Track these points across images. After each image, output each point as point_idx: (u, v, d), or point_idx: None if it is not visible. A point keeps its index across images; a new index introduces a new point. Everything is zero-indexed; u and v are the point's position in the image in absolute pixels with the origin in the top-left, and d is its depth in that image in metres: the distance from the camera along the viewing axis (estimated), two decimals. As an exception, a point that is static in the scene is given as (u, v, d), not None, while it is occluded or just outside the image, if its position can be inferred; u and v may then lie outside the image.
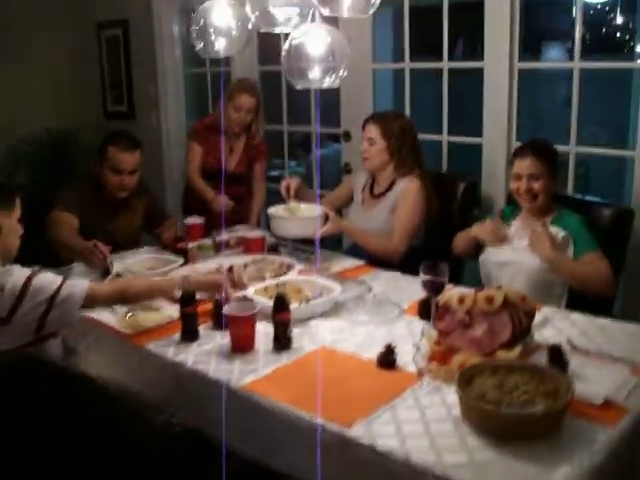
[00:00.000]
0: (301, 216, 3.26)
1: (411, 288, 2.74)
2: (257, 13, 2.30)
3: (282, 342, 2.29)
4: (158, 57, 5.38)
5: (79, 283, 2.44)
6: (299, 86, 2.43)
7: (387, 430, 1.79)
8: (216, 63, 5.07)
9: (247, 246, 3.32)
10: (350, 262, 3.19)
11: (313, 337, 2.39)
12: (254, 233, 3.45)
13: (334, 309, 2.61)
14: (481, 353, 2.06)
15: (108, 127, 4.79)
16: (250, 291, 2.63)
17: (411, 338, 2.32)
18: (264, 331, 2.37)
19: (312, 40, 2.39)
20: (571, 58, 3.56)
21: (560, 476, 1.59)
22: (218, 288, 2.60)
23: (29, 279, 2.30)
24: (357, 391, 2.01)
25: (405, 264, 3.12)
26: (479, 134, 3.86)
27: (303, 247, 3.33)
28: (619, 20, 6.30)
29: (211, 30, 2.56)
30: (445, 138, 4.05)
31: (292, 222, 3.26)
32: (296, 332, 2.36)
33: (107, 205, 3.54)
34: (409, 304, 2.62)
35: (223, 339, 2.36)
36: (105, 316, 2.60)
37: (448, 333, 2.16)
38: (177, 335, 2.41)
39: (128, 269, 3.02)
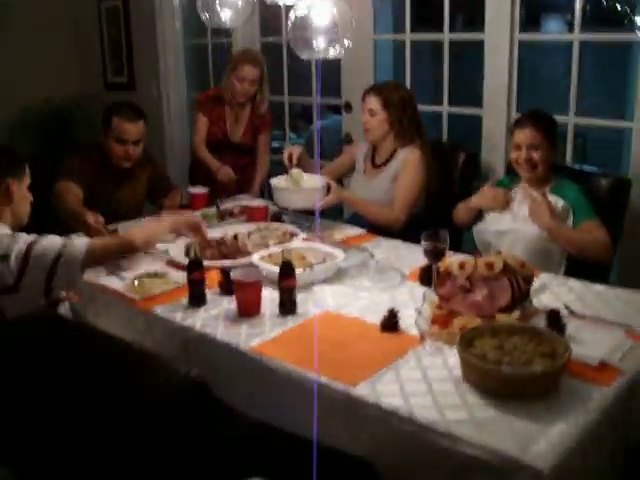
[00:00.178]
0: (304, 187, 3.30)
1: (412, 256, 2.80)
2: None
3: (287, 307, 2.35)
4: (158, 28, 5.38)
5: (78, 243, 2.49)
6: (304, 56, 2.48)
7: (391, 389, 1.86)
8: (217, 34, 5.08)
9: (250, 215, 3.37)
10: (352, 230, 3.24)
11: (317, 302, 2.45)
12: (257, 202, 3.50)
13: (337, 275, 2.66)
14: (481, 317, 2.12)
15: (108, 98, 4.81)
16: (255, 258, 2.69)
17: (413, 303, 2.38)
18: (269, 297, 2.43)
19: (317, 11, 2.44)
20: (571, 30, 3.60)
21: (556, 433, 1.65)
22: (196, 229, 2.77)
23: (30, 246, 2.35)
24: (361, 353, 2.08)
25: (406, 232, 3.18)
26: (479, 105, 3.89)
27: (305, 216, 3.38)
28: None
29: (217, 1, 2.61)
30: (445, 109, 4.09)
31: (295, 193, 3.30)
32: (301, 297, 2.42)
33: (111, 175, 3.58)
34: (411, 271, 2.68)
35: (230, 304, 2.42)
36: (113, 282, 2.66)
37: (449, 298, 2.23)
38: (184, 300, 2.47)
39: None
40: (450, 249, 2.50)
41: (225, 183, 4.06)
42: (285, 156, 3.48)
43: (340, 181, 3.68)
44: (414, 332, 2.15)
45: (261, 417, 2.08)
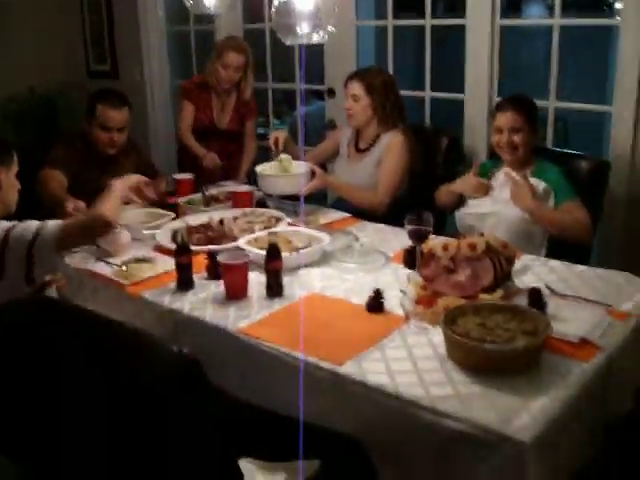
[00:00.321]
0: (288, 173, 3.33)
1: (396, 238, 2.85)
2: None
3: (274, 289, 2.39)
4: (141, 15, 5.38)
5: (52, 224, 2.48)
6: (288, 42, 2.50)
7: (377, 367, 1.90)
8: (200, 21, 5.09)
9: (235, 200, 3.39)
10: (337, 214, 3.28)
11: (303, 284, 2.49)
12: (242, 188, 3.52)
13: (323, 258, 2.70)
14: (464, 297, 2.17)
15: (91, 86, 4.80)
16: (241, 242, 2.72)
17: (397, 284, 2.42)
18: (257, 280, 2.47)
19: (300, -4, 2.46)
20: (552, 15, 3.64)
21: (537, 407, 1.70)
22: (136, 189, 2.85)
23: (8, 232, 2.38)
24: (347, 333, 2.12)
25: (390, 216, 3.21)
26: (461, 90, 3.93)
27: (290, 201, 3.41)
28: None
29: (201, -13, 2.63)
30: (428, 94, 4.12)
31: (280, 179, 3.32)
32: (287, 280, 2.46)
33: (96, 162, 3.58)
34: (395, 253, 2.72)
35: (217, 288, 2.46)
36: (101, 267, 2.69)
37: (433, 279, 2.27)
38: (172, 285, 2.50)
39: (120, 224, 3.08)
40: (433, 232, 2.55)
41: (211, 169, 4.08)
42: (271, 141, 3.50)
43: (324, 166, 3.71)
44: (399, 312, 2.19)
45: (250, 398, 2.12)
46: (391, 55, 4.22)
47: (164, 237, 2.90)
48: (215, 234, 2.89)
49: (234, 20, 4.90)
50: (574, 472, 1.82)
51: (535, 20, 6.53)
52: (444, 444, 1.70)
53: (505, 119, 2.97)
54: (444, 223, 3.38)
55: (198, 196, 3.50)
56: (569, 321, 2.08)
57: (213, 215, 3.11)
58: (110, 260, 2.75)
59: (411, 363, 1.93)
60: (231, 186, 3.71)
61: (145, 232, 3.00)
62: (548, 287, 2.33)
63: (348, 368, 1.91)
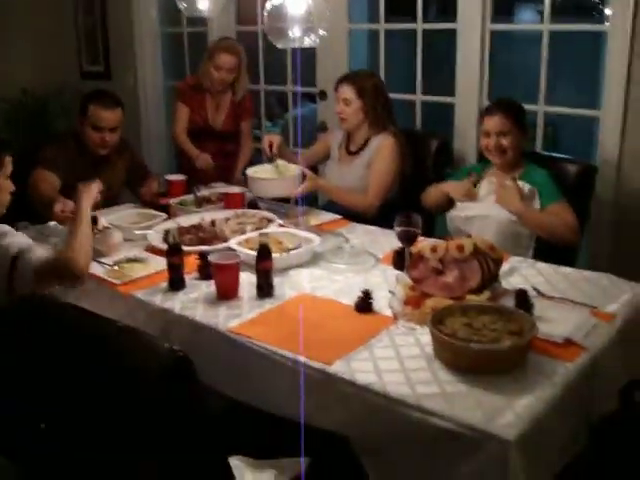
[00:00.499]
0: (279, 177, 3.36)
1: (386, 240, 2.87)
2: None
3: (265, 290, 2.41)
4: (134, 16, 5.39)
5: (39, 252, 2.43)
6: (280, 45, 2.53)
7: (365, 366, 1.93)
8: (193, 23, 5.11)
9: (227, 202, 3.42)
10: (327, 216, 3.31)
11: (294, 285, 2.52)
12: (234, 189, 3.55)
13: (313, 259, 2.73)
14: (452, 298, 2.20)
15: (84, 87, 4.82)
16: (232, 242, 2.74)
17: (386, 285, 2.45)
18: (247, 280, 2.49)
19: (292, 0, 2.49)
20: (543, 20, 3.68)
21: (522, 405, 1.74)
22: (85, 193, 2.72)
23: None
24: (336, 333, 2.15)
25: (380, 218, 3.24)
26: (452, 93, 3.97)
27: (281, 203, 3.43)
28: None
29: (194, -10, 2.66)
30: (419, 98, 4.16)
31: (271, 183, 3.36)
32: (277, 281, 2.48)
33: (88, 163, 3.59)
34: (384, 254, 2.75)
35: (208, 288, 2.48)
36: (94, 267, 2.69)
37: (421, 280, 2.30)
38: (164, 285, 2.53)
39: (112, 224, 3.11)
40: (423, 234, 2.58)
41: (204, 170, 4.10)
42: (265, 145, 3.53)
43: (315, 168, 3.74)
44: (387, 313, 2.23)
45: (240, 396, 2.15)
46: (383, 59, 4.25)
47: (156, 237, 2.93)
48: (206, 235, 2.92)
49: (227, 22, 4.92)
50: (558, 471, 1.85)
51: (525, 25, 6.59)
52: (430, 441, 1.73)
53: (493, 123, 3.01)
54: (433, 225, 3.41)
55: (190, 197, 3.52)
56: (555, 322, 2.11)
57: (205, 216, 3.14)
58: (102, 260, 2.77)
59: (398, 362, 1.96)
60: (223, 187, 3.73)
61: (137, 232, 3.02)
62: (535, 289, 2.36)
63: (337, 367, 1.94)
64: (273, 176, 3.37)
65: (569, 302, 2.28)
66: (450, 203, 3.16)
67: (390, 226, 2.60)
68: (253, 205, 3.42)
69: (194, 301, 2.40)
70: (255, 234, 2.84)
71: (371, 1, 4.66)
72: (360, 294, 2.28)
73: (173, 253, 2.51)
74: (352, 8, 4.40)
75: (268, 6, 2.47)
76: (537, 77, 3.69)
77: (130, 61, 5.51)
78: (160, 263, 2.65)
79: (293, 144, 4.81)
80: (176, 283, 2.51)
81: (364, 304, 2.26)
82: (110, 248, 2.85)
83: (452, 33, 3.88)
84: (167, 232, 2.86)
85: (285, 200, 3.39)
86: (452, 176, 3.36)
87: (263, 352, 2.08)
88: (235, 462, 1.97)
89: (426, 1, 4.01)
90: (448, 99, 4.02)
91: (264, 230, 2.92)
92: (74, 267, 2.44)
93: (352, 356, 1.99)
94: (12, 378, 1.75)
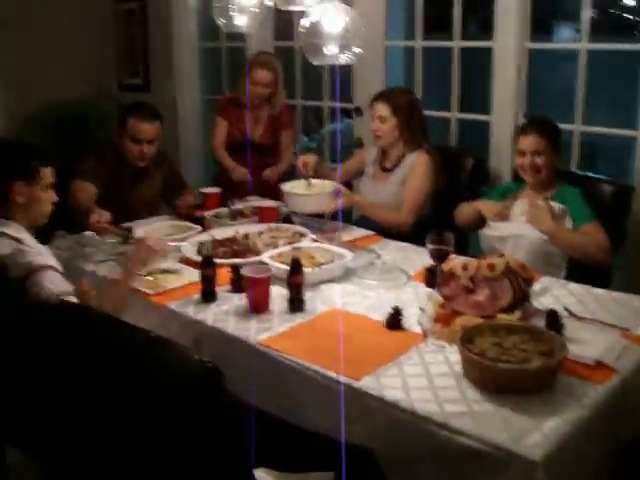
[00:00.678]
0: (315, 192, 3.39)
1: (419, 257, 2.87)
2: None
3: (296, 304, 2.43)
4: (175, 30, 5.46)
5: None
6: (316, 62, 2.55)
7: (394, 383, 1.94)
8: (231, 38, 5.16)
9: (261, 215, 3.45)
10: (360, 232, 3.32)
11: (325, 300, 2.53)
12: (268, 203, 3.57)
13: (345, 275, 2.74)
14: (483, 316, 2.20)
15: (123, 99, 4.89)
16: (265, 256, 2.77)
17: (417, 302, 2.46)
18: (279, 294, 2.51)
19: (328, 18, 2.51)
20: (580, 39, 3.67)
21: (550, 427, 1.73)
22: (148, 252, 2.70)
23: (28, 274, 2.32)
24: (366, 348, 2.16)
25: (414, 235, 3.25)
26: (487, 111, 3.97)
27: (315, 218, 3.45)
28: (629, 0, 6.37)
29: (233, 7, 2.69)
30: (455, 115, 4.16)
31: (306, 198, 3.40)
32: (309, 295, 2.50)
33: (126, 174, 3.66)
34: (416, 271, 2.76)
35: (240, 301, 2.51)
36: (128, 278, 2.75)
37: (452, 298, 2.30)
38: (196, 296, 2.56)
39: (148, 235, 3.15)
40: (456, 252, 2.58)
41: (241, 183, 4.14)
42: (300, 166, 3.56)
43: (349, 184, 3.76)
44: (417, 330, 2.23)
45: (268, 408, 2.17)
46: (421, 77, 4.26)
47: (190, 249, 2.96)
48: (240, 248, 2.95)
49: (265, 37, 4.96)
50: (586, 493, 1.84)
51: (561, 44, 6.57)
52: (456, 460, 1.73)
53: (528, 142, 3.01)
54: (467, 243, 3.41)
55: (224, 210, 3.56)
56: (585, 343, 2.10)
57: (239, 229, 3.17)
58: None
59: (427, 380, 1.96)
60: (257, 201, 3.76)
61: (171, 244, 3.06)
62: (566, 309, 2.35)
63: (365, 383, 1.95)
64: (308, 192, 3.40)
65: (600, 323, 2.27)
66: (483, 221, 3.16)
67: (424, 243, 2.61)
68: (287, 219, 3.44)
69: (225, 313, 2.43)
70: (287, 248, 2.86)
71: (408, 18, 4.67)
72: (390, 311, 2.29)
73: (206, 265, 2.54)
74: (389, 25, 4.42)
75: (304, 22, 2.50)
76: (574, 95, 3.68)
77: (168, 74, 5.57)
78: (193, 275, 2.69)
79: (330, 159, 4.83)
80: (208, 295, 2.54)
81: (394, 321, 2.27)
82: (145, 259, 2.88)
83: (489, 50, 3.88)
84: (201, 244, 2.90)
85: (319, 215, 3.42)
86: (488, 194, 3.36)
87: (293, 366, 2.10)
88: (260, 474, 1.99)
89: (465, 18, 4.01)
90: (484, 117, 4.02)
91: (297, 244, 2.94)
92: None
93: (381, 372, 2.00)
94: (41, 382, 1.78)
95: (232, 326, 2.33)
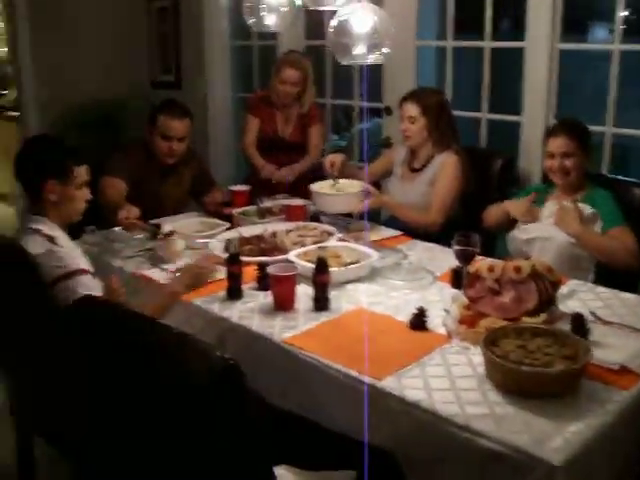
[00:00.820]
0: (344, 192, 3.40)
1: (445, 258, 2.86)
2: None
3: (321, 302, 2.44)
4: (206, 29, 5.50)
5: None
6: (344, 62, 2.57)
7: (416, 383, 1.94)
8: (262, 36, 5.19)
9: (289, 213, 3.46)
10: (388, 232, 3.32)
11: (350, 299, 2.54)
12: (296, 201, 3.59)
13: (371, 274, 2.74)
14: (508, 319, 2.19)
15: (155, 96, 4.93)
16: (291, 255, 2.78)
17: (442, 303, 2.45)
18: (304, 292, 2.52)
19: (358, 18, 2.52)
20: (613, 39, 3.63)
21: (572, 431, 1.71)
22: (200, 273, 2.69)
23: (59, 278, 2.32)
24: (389, 348, 2.16)
25: (442, 236, 3.23)
26: (517, 111, 3.94)
27: (343, 217, 3.46)
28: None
29: (263, 7, 2.71)
30: (485, 116, 4.14)
31: (335, 198, 3.41)
32: (334, 294, 2.51)
33: (156, 171, 3.70)
34: (442, 272, 2.75)
35: (265, 298, 2.52)
36: (156, 273, 2.78)
37: (477, 300, 2.29)
38: (222, 293, 2.58)
39: (176, 231, 3.18)
40: (483, 254, 2.57)
41: (267, 179, 4.16)
42: (327, 165, 3.57)
43: (377, 184, 3.76)
44: (441, 331, 2.23)
45: (290, 406, 2.18)
46: (451, 78, 4.25)
47: (217, 246, 2.98)
48: (267, 246, 2.96)
49: (296, 36, 4.98)
50: (608, 498, 1.82)
51: (594, 45, 6.48)
52: (477, 462, 1.73)
53: (557, 144, 2.99)
54: (494, 245, 3.39)
55: (253, 208, 3.58)
56: (611, 348, 2.08)
57: (267, 227, 3.18)
58: (164, 266, 2.84)
59: (449, 381, 1.96)
60: (285, 199, 3.77)
61: (199, 241, 3.08)
62: (592, 313, 2.33)
63: (387, 383, 1.95)
64: (337, 192, 3.40)
65: (627, 328, 2.24)
66: (511, 223, 3.14)
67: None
68: (316, 218, 3.45)
69: (251, 311, 2.44)
70: (314, 247, 2.87)
71: (440, 17, 4.66)
72: (415, 311, 2.29)
73: (233, 263, 2.56)
74: (421, 25, 4.41)
75: (333, 22, 2.51)
76: (606, 97, 3.64)
77: (200, 72, 5.61)
78: (220, 271, 2.70)
79: (359, 158, 4.84)
80: (234, 292, 2.55)
81: (418, 321, 2.27)
82: (172, 255, 2.92)
83: (520, 50, 3.86)
84: (229, 241, 2.92)
85: (348, 215, 3.42)
86: (517, 195, 3.34)
87: (315, 364, 2.10)
88: (280, 471, 2.00)
89: (497, 17, 3.99)
90: (514, 117, 4.00)
91: (323, 244, 2.94)
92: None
93: (403, 373, 1.99)
94: (69, 379, 1.81)
95: (257, 324, 2.34)
